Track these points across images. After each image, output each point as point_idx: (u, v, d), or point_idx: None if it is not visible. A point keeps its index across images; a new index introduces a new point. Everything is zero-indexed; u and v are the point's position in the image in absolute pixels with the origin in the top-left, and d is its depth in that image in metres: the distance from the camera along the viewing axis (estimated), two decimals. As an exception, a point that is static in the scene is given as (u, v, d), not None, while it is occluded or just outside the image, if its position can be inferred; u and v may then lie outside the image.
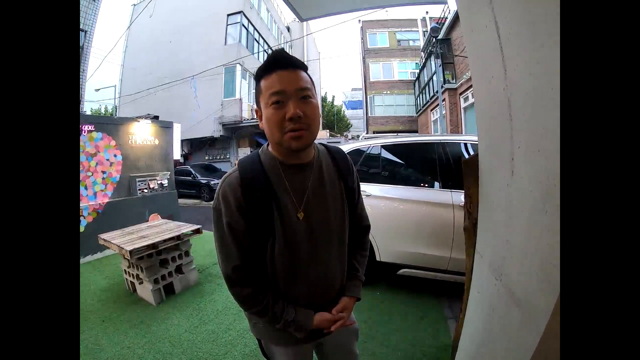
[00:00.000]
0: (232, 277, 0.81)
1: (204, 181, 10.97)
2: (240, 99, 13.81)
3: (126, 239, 2.84)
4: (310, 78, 0.80)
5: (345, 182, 0.91)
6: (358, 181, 0.98)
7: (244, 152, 15.51)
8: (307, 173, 0.84)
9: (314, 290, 0.86)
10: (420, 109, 16.33)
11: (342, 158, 0.94)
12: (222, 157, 15.14)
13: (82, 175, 4.15)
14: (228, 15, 14.68)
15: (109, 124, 4.67)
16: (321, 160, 0.89)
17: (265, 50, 17.45)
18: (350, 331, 1.02)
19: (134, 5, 17.63)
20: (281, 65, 0.75)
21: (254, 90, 0.83)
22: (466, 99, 10.88)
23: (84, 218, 4.13)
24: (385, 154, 2.92)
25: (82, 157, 4.14)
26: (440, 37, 12.00)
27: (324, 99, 30.84)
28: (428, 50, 13.62)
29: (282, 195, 0.80)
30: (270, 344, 0.95)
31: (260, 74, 0.78)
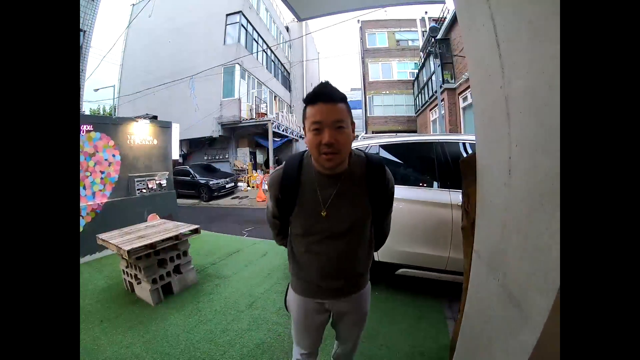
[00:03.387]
0: (270, 219, 1.22)
1: (202, 181, 10.94)
2: (239, 99, 13.79)
3: (124, 238, 2.83)
4: (348, 107, 0.96)
5: (372, 189, 1.05)
6: (390, 194, 1.12)
7: (243, 152, 15.49)
8: (336, 180, 1.02)
9: (327, 265, 1.08)
10: (419, 109, 16.33)
11: (376, 170, 1.06)
12: (221, 157, 15.11)
13: (80, 175, 4.13)
14: (227, 15, 14.67)
15: (108, 123, 4.65)
16: (354, 169, 1.05)
17: (264, 50, 17.44)
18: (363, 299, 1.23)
19: (133, 5, 17.60)
20: (324, 99, 0.92)
21: (302, 110, 1.00)
22: (465, 99, 10.89)
23: (83, 218, 4.11)
24: (384, 154, 2.92)
25: (81, 157, 4.13)
26: (439, 37, 12.00)
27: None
28: (427, 50, 13.62)
29: (310, 194, 1.04)
30: (293, 292, 1.21)
31: (307, 101, 0.95)
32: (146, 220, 4.55)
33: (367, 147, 2.99)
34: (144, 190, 4.95)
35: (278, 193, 1.08)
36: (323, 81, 0.97)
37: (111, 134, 4.53)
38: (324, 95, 0.92)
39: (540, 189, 0.70)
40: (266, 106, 16.47)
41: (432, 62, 12.35)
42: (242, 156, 15.34)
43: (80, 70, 9.40)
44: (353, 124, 1.00)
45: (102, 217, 4.27)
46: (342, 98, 0.95)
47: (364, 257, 1.14)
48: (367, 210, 1.05)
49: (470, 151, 2.55)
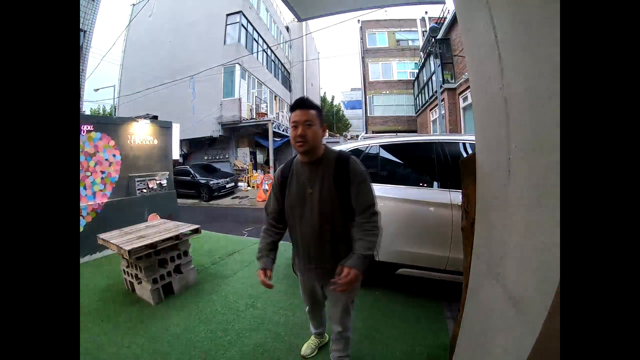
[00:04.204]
0: (266, 211, 1.59)
1: (203, 181, 10.94)
2: (239, 99, 13.78)
3: (125, 238, 2.84)
4: (319, 110, 1.39)
5: (336, 178, 1.37)
6: (353, 180, 1.36)
7: (244, 152, 15.48)
8: (312, 167, 1.41)
9: (305, 233, 1.44)
10: (420, 109, 16.32)
11: (340, 163, 1.39)
12: (221, 157, 15.09)
13: (81, 175, 4.14)
14: (227, 15, 14.66)
15: (108, 123, 4.66)
16: (324, 160, 1.41)
17: (264, 50, 17.42)
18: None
19: (133, 4, 17.61)
20: (300, 107, 1.35)
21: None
22: (465, 99, 10.88)
23: (83, 218, 4.12)
24: (384, 154, 2.92)
25: (81, 157, 4.13)
26: (439, 37, 11.99)
27: (323, 99, 30.83)
28: (427, 50, 13.61)
29: (299, 178, 1.43)
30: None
31: (290, 109, 1.39)
32: (146, 220, 4.55)
33: (367, 147, 2.99)
34: (145, 190, 4.95)
35: (281, 177, 1.51)
36: (302, 96, 1.43)
37: (112, 134, 4.53)
38: (301, 105, 1.36)
39: (539, 190, 0.71)
40: (266, 106, 16.46)
41: (432, 62, 12.35)
42: (242, 156, 15.34)
43: (81, 70, 9.40)
44: (324, 126, 1.41)
45: (102, 217, 4.28)
46: (314, 107, 1.37)
47: (340, 247, 1.42)
48: (334, 191, 1.36)
49: (470, 151, 2.55)
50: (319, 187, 1.37)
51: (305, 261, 1.50)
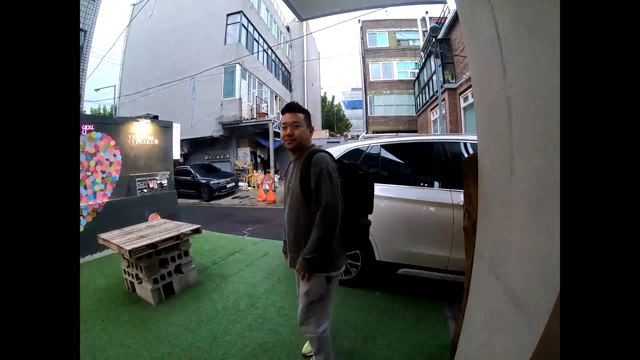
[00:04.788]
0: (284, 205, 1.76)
1: (203, 181, 10.94)
2: (239, 99, 13.78)
3: (125, 238, 2.84)
4: (307, 113, 1.61)
5: (301, 174, 1.51)
6: (313, 175, 1.46)
7: (244, 152, 15.48)
8: (294, 165, 1.62)
9: (287, 222, 1.61)
10: (420, 109, 16.32)
11: (306, 162, 1.52)
12: (222, 157, 15.09)
13: (81, 175, 4.13)
14: (228, 15, 14.66)
15: (109, 123, 4.66)
16: (302, 157, 1.57)
17: (265, 50, 17.42)
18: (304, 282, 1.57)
19: (133, 5, 17.61)
20: (289, 110, 1.56)
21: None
22: (466, 99, 10.88)
23: (84, 218, 4.12)
24: (385, 154, 2.92)
25: (82, 157, 4.13)
26: (439, 37, 11.99)
27: (323, 99, 30.85)
28: (428, 50, 13.61)
29: (289, 173, 1.65)
30: None
31: (282, 112, 1.59)
32: (147, 220, 4.55)
33: (368, 146, 2.99)
34: (145, 190, 4.96)
35: (285, 175, 1.75)
36: (292, 102, 1.67)
37: (112, 133, 4.53)
38: (290, 109, 1.57)
39: (541, 189, 0.70)
40: (267, 106, 16.47)
41: (432, 62, 12.35)
42: (242, 156, 15.34)
43: (81, 70, 9.42)
44: (311, 128, 1.62)
45: (103, 217, 4.28)
46: (302, 111, 1.58)
47: (307, 237, 1.48)
48: (299, 185, 1.50)
49: (471, 151, 2.55)
50: (293, 181, 1.56)
51: (288, 248, 1.65)
